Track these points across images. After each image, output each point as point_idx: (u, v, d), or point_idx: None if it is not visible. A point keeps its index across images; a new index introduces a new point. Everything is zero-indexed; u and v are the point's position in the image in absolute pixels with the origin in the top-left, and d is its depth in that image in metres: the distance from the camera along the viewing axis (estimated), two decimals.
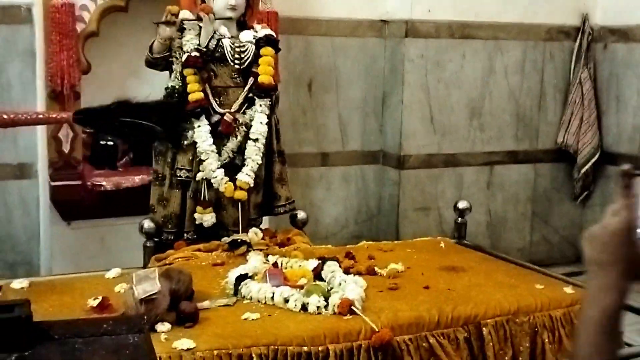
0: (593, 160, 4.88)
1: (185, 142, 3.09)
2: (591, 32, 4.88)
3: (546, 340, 2.48)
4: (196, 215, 3.13)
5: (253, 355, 2.12)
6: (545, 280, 2.80)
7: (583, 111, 4.86)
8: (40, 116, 2.89)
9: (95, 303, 2.38)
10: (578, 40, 4.89)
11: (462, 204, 3.45)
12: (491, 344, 2.41)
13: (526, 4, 4.73)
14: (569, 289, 2.68)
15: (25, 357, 1.33)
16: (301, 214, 3.42)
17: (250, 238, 3.11)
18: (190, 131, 3.07)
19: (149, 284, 2.25)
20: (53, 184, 3.70)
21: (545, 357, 2.47)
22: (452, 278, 2.75)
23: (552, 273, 2.98)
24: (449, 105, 4.66)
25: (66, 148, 3.70)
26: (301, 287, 2.52)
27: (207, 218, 3.12)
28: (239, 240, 3.07)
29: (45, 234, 3.82)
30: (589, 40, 4.88)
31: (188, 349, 2.09)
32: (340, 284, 2.53)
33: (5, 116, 2.48)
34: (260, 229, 3.24)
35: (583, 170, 4.91)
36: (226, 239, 3.10)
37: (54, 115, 2.87)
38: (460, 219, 3.46)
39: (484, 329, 2.41)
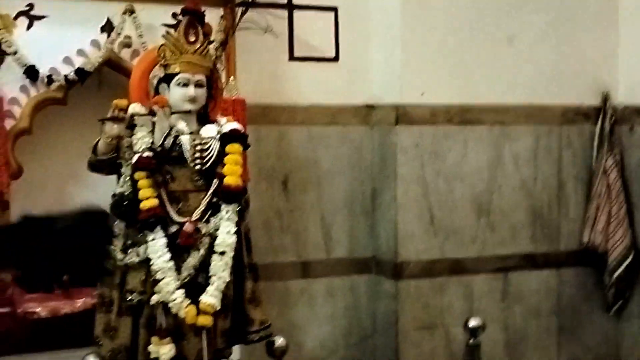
0: (627, 262, 4.90)
1: (137, 259, 3.09)
2: (614, 113, 4.98)
3: None
4: (151, 348, 3.10)
5: None
6: None
7: (611, 205, 4.90)
8: None
9: None
10: (599, 122, 4.98)
11: (473, 322, 3.46)
12: None
13: (535, 82, 4.82)
14: None
15: None
16: (279, 341, 3.41)
17: None
18: (142, 246, 3.08)
19: None
20: None
21: None
22: None
23: None
24: (452, 202, 4.70)
25: None
26: None
27: (164, 351, 3.10)
28: None
29: None
30: (612, 122, 4.96)
31: None
32: None
33: None
34: None
35: (615, 275, 4.92)
36: None
37: None
38: (472, 339, 3.45)
39: None
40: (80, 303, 3.80)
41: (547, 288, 4.96)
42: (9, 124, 3.64)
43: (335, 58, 4.64)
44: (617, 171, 4.93)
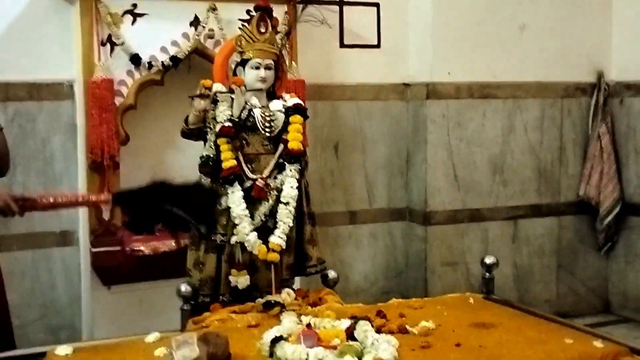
0: (615, 211, 4.84)
1: (220, 208, 3.12)
2: (607, 88, 4.89)
3: None
4: (231, 278, 3.13)
5: None
6: (575, 334, 2.74)
7: (603, 164, 4.84)
8: (80, 199, 2.92)
9: None
10: (595, 96, 4.90)
11: (489, 260, 3.41)
12: None
13: (543, 63, 4.77)
14: (598, 343, 2.62)
15: None
16: (332, 274, 3.41)
17: (284, 299, 3.09)
18: (224, 197, 3.10)
19: (188, 349, 2.25)
20: (94, 250, 3.73)
21: None
22: (483, 335, 2.71)
23: (581, 327, 2.92)
24: (472, 163, 4.66)
25: (106, 215, 3.74)
26: (335, 347, 2.49)
27: (241, 280, 3.12)
28: (273, 302, 3.06)
29: (86, 298, 3.85)
30: (605, 96, 4.88)
31: None
32: (372, 343, 2.50)
33: (46, 200, 2.52)
34: (293, 290, 3.22)
35: (606, 222, 4.86)
36: (260, 301, 3.09)
37: (93, 198, 2.89)
38: (487, 274, 3.41)
39: None
40: (175, 243, 3.84)
41: (549, 233, 4.91)
42: (118, 101, 3.68)
43: (378, 45, 4.61)
44: (609, 136, 4.86)
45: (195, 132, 3.17)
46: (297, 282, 3.52)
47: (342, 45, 4.50)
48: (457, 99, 4.58)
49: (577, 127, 4.93)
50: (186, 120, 3.16)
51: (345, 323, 2.70)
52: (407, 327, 2.77)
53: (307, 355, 2.44)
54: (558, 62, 4.81)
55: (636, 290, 4.86)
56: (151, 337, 2.76)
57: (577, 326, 2.92)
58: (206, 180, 3.12)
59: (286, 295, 3.12)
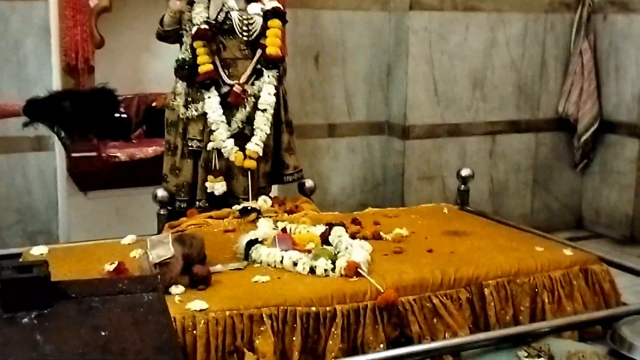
0: (593, 129, 4.85)
1: (196, 113, 3.09)
2: (591, 4, 4.82)
3: (546, 300, 2.48)
4: (207, 184, 3.13)
5: (263, 315, 2.14)
6: (545, 243, 2.80)
7: (583, 81, 4.82)
8: None
9: (111, 267, 2.39)
10: (578, 11, 4.84)
11: (465, 172, 3.45)
12: (492, 303, 2.41)
13: None
14: (568, 251, 2.68)
15: (44, 315, 1.35)
16: (309, 182, 3.42)
17: (260, 205, 3.11)
18: (200, 102, 3.07)
19: (163, 248, 2.26)
20: (71, 155, 3.71)
21: (545, 316, 2.47)
22: (455, 242, 2.75)
23: (551, 237, 2.98)
24: (452, 77, 4.62)
25: None
26: (309, 251, 2.53)
27: (218, 187, 3.13)
28: (249, 208, 3.08)
29: (63, 204, 3.83)
30: (589, 12, 4.82)
31: (201, 310, 2.11)
32: (346, 248, 2.54)
33: None
34: (270, 197, 3.24)
35: (583, 139, 4.88)
36: (237, 207, 3.10)
37: (6, 107, 2.78)
38: (463, 186, 3.45)
39: (486, 289, 2.41)
40: (152, 150, 3.83)
41: (526, 149, 4.93)
42: (92, 3, 3.58)
43: None
44: (591, 53, 4.82)
45: (170, 35, 3.11)
46: (274, 190, 3.54)
47: None
48: (440, 11, 4.50)
49: (560, 43, 4.89)
50: (161, 22, 3.09)
51: (321, 229, 2.74)
52: (381, 233, 2.81)
53: (282, 257, 2.47)
54: None
55: (609, 206, 4.94)
56: (127, 240, 2.78)
57: (547, 236, 2.97)
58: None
59: (263, 203, 3.14)
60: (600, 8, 4.83)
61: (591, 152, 4.95)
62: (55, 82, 3.67)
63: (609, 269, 2.64)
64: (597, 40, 4.86)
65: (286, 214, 3.13)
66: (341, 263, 2.39)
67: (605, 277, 2.60)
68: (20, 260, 2.55)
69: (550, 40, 4.84)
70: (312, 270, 2.40)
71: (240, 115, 3.12)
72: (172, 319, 1.78)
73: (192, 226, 2.98)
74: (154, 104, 4.22)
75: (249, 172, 3.15)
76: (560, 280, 2.50)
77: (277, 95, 3.18)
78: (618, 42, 4.76)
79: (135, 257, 2.50)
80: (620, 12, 4.75)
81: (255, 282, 2.33)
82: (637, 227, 4.79)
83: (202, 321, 2.07)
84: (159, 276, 1.81)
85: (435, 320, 2.32)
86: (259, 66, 3.13)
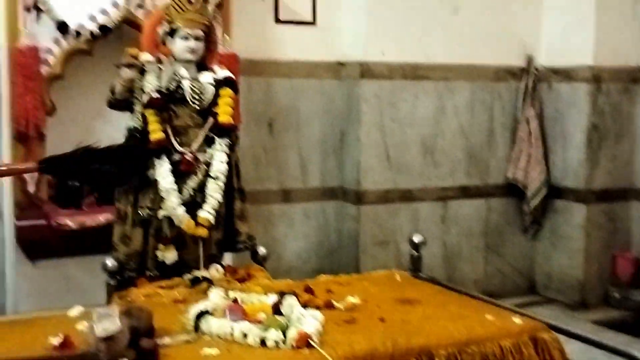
0: (541, 194, 4.94)
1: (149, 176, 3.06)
2: (536, 73, 4.98)
3: None
4: (158, 253, 3.08)
5: None
6: (495, 311, 2.80)
7: (531, 148, 4.93)
8: (4, 168, 2.80)
9: (56, 342, 2.31)
10: (524, 80, 4.99)
11: (416, 238, 3.45)
12: None
13: (473, 46, 4.82)
14: (517, 319, 2.68)
15: None
16: (262, 250, 3.39)
17: (212, 275, 3.07)
18: (151, 170, 3.04)
19: (109, 321, 2.20)
20: (18, 223, 3.62)
21: None
22: (407, 310, 2.74)
23: (501, 304, 2.98)
24: (404, 143, 4.70)
25: (31, 188, 3.63)
26: (260, 321, 2.48)
27: (169, 255, 3.08)
28: (201, 277, 3.03)
29: (11, 273, 3.73)
30: (534, 81, 4.97)
31: None
32: (298, 318, 2.50)
33: None
34: (222, 266, 3.20)
35: (532, 205, 4.96)
36: (188, 276, 3.05)
37: (19, 166, 2.79)
38: (415, 252, 3.45)
39: (437, 359, 2.39)
40: (103, 218, 3.76)
41: (477, 214, 4.99)
42: (44, 70, 3.56)
43: (313, 22, 4.58)
44: (537, 120, 4.95)
45: (122, 103, 3.09)
46: (227, 258, 3.49)
47: (277, 20, 4.45)
48: (390, 80, 4.60)
49: (507, 111, 5.01)
50: (112, 90, 3.08)
51: (272, 298, 2.70)
52: (334, 302, 2.78)
53: (232, 329, 2.42)
54: (489, 45, 4.87)
55: (560, 272, 5.00)
56: (74, 311, 2.69)
57: (497, 303, 2.98)
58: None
59: (214, 271, 3.10)
60: (545, 77, 4.99)
61: (541, 218, 5.03)
62: (5, 150, 3.62)
63: (559, 337, 2.65)
64: (543, 107, 5.00)
65: (238, 283, 3.09)
66: (292, 334, 2.35)
67: (555, 345, 2.60)
68: None
69: (498, 107, 4.96)
70: (263, 342, 2.35)
71: (192, 183, 3.09)
72: None
73: (142, 296, 2.91)
74: None
75: (201, 240, 3.11)
76: (511, 350, 2.49)
77: (229, 163, 3.17)
78: (563, 109, 4.91)
79: (81, 330, 2.42)
80: (564, 81, 4.91)
81: (205, 355, 2.27)
82: (587, 292, 4.85)
83: None
84: (101, 352, 1.76)
85: None
86: (210, 134, 3.13)
